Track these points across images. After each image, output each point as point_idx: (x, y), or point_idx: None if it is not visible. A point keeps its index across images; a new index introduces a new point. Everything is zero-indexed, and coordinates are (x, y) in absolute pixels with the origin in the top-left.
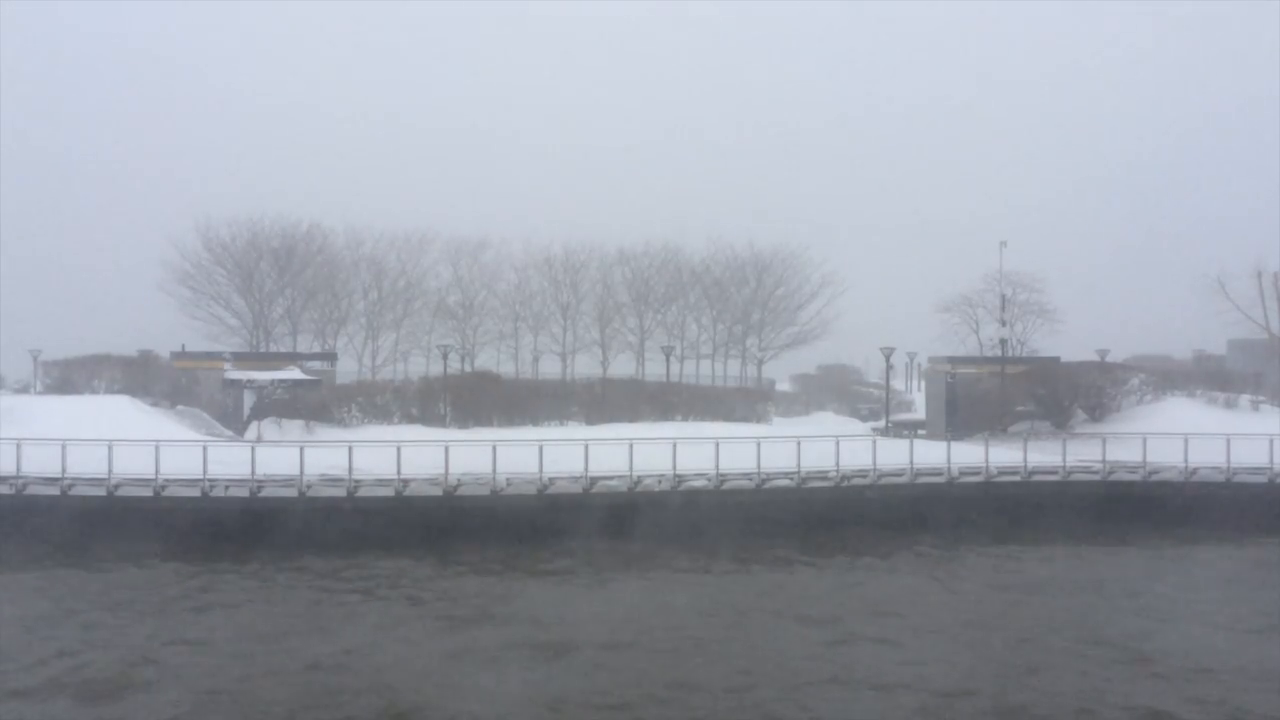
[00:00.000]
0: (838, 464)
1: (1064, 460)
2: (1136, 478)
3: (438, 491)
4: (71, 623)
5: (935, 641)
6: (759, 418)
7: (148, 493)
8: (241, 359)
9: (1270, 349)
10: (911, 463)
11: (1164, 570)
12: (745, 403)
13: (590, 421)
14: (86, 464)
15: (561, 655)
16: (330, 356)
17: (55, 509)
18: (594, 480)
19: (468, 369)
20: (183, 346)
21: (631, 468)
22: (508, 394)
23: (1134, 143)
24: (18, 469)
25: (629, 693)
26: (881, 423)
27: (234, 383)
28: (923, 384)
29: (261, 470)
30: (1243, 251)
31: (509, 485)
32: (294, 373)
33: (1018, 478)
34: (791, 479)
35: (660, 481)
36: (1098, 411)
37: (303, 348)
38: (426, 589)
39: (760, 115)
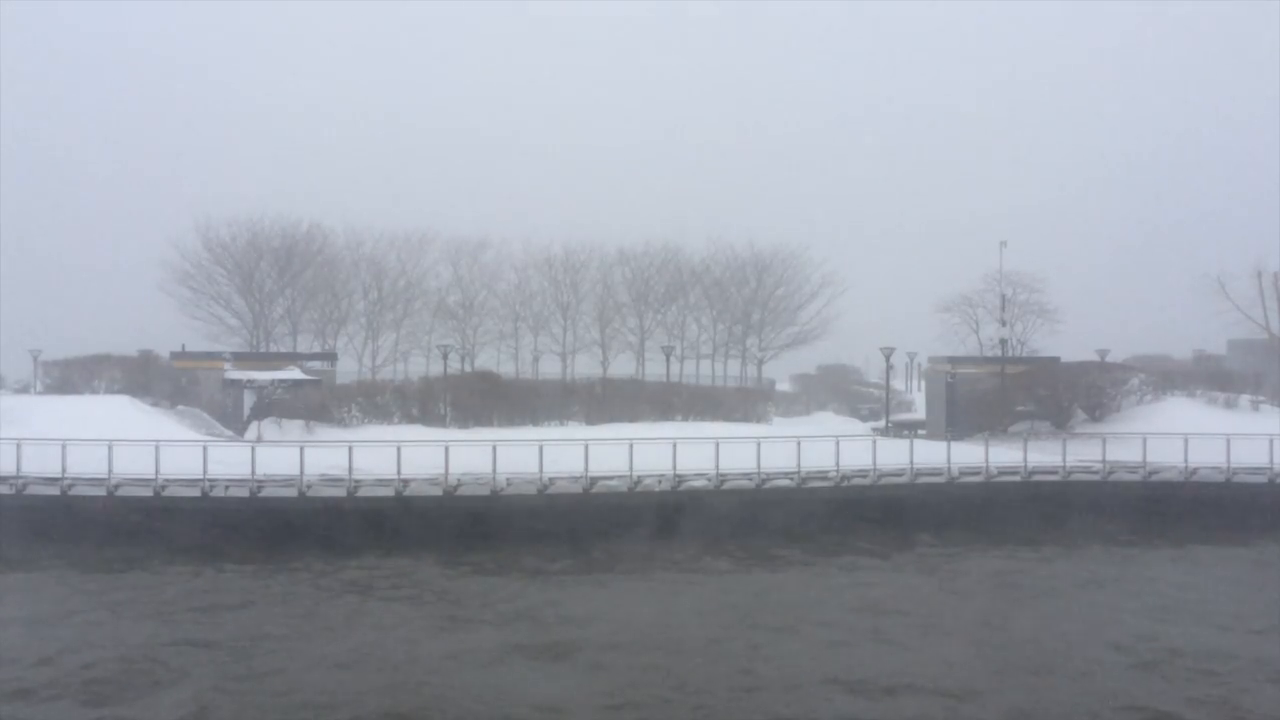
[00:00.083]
0: (838, 464)
1: (1064, 460)
2: (1137, 478)
3: (438, 491)
4: (73, 623)
5: (937, 641)
6: (759, 418)
7: (148, 493)
8: (241, 359)
9: (1270, 349)
10: (911, 463)
11: (1165, 571)
12: (745, 403)
13: (590, 421)
14: (86, 464)
15: (563, 656)
16: (330, 356)
17: (55, 509)
18: (594, 480)
19: (468, 369)
20: (183, 346)
21: (631, 468)
22: (508, 394)
23: (1134, 142)
24: (18, 469)
25: (630, 693)
26: (881, 423)
27: (234, 383)
28: (923, 384)
29: (262, 470)
30: (1243, 251)
31: (509, 485)
32: (294, 373)
33: (1018, 478)
34: (792, 479)
35: (660, 481)
36: (1098, 411)
37: (303, 348)
38: (427, 589)
39: (760, 115)
